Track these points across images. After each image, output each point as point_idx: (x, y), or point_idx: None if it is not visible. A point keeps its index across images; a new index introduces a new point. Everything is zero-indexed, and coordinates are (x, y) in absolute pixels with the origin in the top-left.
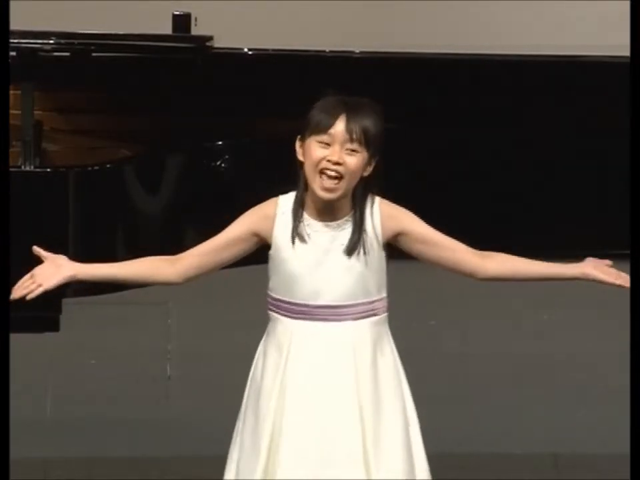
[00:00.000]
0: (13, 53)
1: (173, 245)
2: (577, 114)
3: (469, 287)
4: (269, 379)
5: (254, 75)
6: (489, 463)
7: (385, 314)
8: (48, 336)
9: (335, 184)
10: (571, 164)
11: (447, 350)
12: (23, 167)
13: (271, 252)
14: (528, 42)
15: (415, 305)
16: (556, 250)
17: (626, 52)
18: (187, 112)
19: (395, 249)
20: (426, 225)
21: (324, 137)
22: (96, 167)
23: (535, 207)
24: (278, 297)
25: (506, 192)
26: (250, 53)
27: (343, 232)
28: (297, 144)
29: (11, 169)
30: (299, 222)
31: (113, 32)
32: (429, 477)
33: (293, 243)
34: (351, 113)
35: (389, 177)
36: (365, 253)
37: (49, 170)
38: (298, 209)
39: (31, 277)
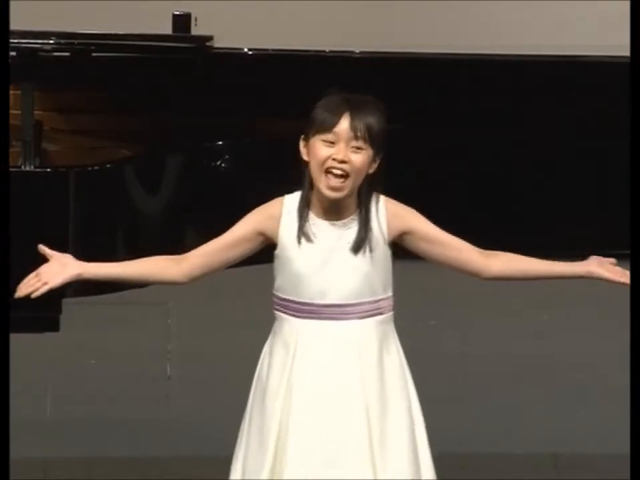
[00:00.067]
0: (13, 53)
1: (173, 245)
2: (577, 114)
3: (468, 287)
4: (275, 378)
5: (254, 75)
6: (489, 462)
7: (391, 313)
8: (48, 336)
9: (341, 182)
10: (571, 164)
11: (447, 350)
12: (23, 167)
13: (277, 251)
14: (528, 42)
15: (414, 305)
16: (556, 250)
17: (626, 52)
18: (187, 112)
19: (396, 249)
20: (431, 224)
21: (328, 136)
22: (96, 167)
23: (534, 207)
24: (284, 296)
25: (506, 192)
26: (250, 53)
27: (349, 231)
28: (301, 144)
29: (11, 169)
30: (305, 221)
31: (113, 32)
32: (434, 477)
33: (299, 242)
34: (355, 110)
35: (389, 177)
36: (370, 250)
37: (49, 170)
38: (303, 209)
39: (36, 275)
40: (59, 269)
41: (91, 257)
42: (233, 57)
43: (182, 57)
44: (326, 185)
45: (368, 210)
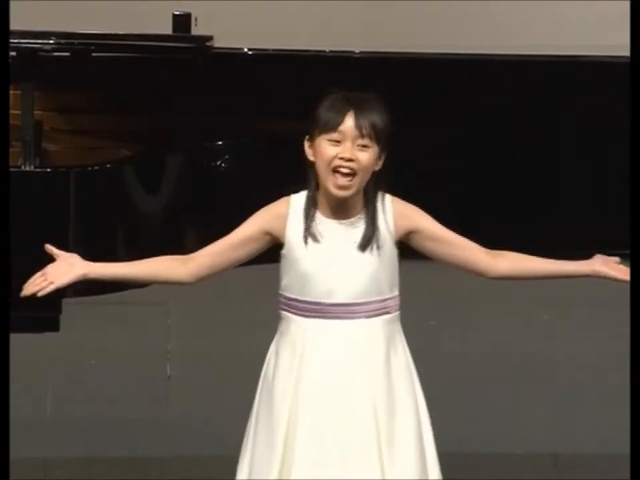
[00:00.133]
0: (13, 53)
1: (173, 245)
2: (577, 114)
3: (469, 287)
4: (282, 378)
5: (254, 74)
6: (489, 462)
7: (398, 312)
8: (48, 336)
9: (349, 181)
10: (571, 164)
11: (447, 350)
12: (23, 167)
13: (284, 251)
14: (528, 42)
15: (414, 305)
16: (556, 250)
17: (626, 52)
18: (187, 112)
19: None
20: (438, 223)
21: (334, 135)
22: (96, 167)
23: (534, 207)
24: (291, 295)
25: (505, 192)
26: (250, 53)
27: (356, 230)
28: (306, 144)
29: (11, 169)
30: (312, 221)
31: (113, 32)
32: (440, 477)
33: (306, 241)
34: (359, 108)
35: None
36: (378, 248)
37: (49, 170)
38: (310, 208)
39: (43, 274)
40: (65, 268)
41: (91, 256)
42: (233, 56)
43: (182, 56)
44: (334, 184)
45: (375, 208)
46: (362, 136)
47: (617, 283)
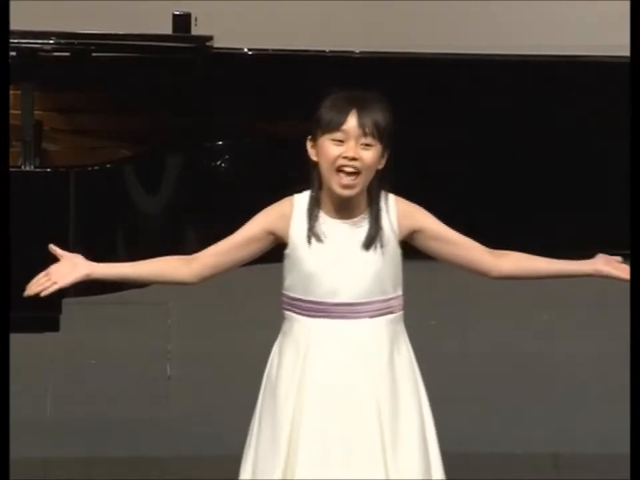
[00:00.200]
0: (13, 53)
1: (173, 245)
2: (577, 114)
3: (468, 287)
4: (286, 378)
5: (254, 74)
6: (489, 462)
7: (401, 312)
8: (48, 336)
9: (353, 180)
10: (570, 164)
11: (447, 350)
12: (23, 167)
13: (287, 251)
14: (528, 42)
15: (414, 305)
16: (556, 250)
17: (626, 52)
18: (187, 112)
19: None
20: (441, 222)
21: (337, 135)
22: (96, 167)
23: (534, 207)
24: (294, 295)
25: (505, 192)
26: (250, 53)
27: (360, 229)
28: (308, 144)
29: (11, 169)
30: (315, 220)
31: (113, 32)
32: (444, 477)
33: (310, 241)
34: (361, 107)
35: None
36: (382, 247)
37: (49, 170)
38: (313, 208)
39: (47, 274)
40: (69, 269)
41: (91, 256)
42: (233, 57)
43: (182, 56)
44: (338, 184)
45: (378, 207)
46: (365, 135)
47: (617, 283)
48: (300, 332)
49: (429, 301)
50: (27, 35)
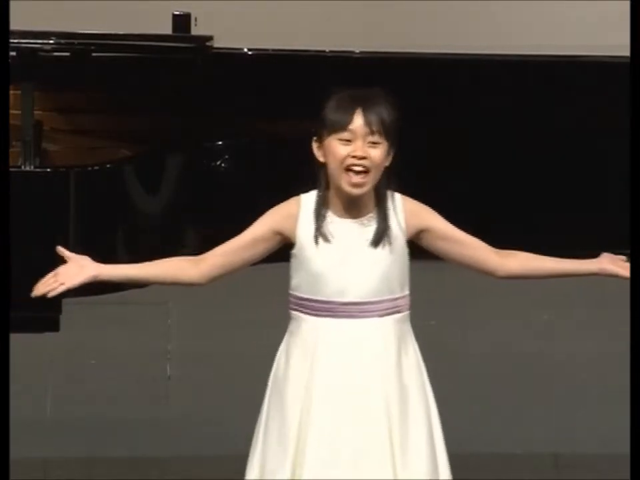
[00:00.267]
0: (13, 53)
1: (173, 245)
2: (577, 114)
3: (469, 287)
4: (294, 378)
5: (254, 74)
6: (489, 462)
7: (408, 312)
8: (48, 336)
9: (363, 178)
10: (571, 164)
11: (447, 350)
12: (23, 167)
13: (295, 251)
14: (528, 42)
15: (415, 305)
16: (555, 250)
17: (626, 52)
18: (187, 112)
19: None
20: (448, 222)
21: (344, 134)
22: (96, 167)
23: (534, 207)
24: (302, 295)
25: (505, 192)
26: (250, 53)
27: (368, 228)
28: (314, 145)
29: (11, 169)
30: (323, 220)
31: (113, 32)
32: (451, 477)
33: (317, 241)
34: (366, 105)
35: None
36: (390, 245)
37: (49, 170)
38: (321, 208)
39: (54, 275)
40: (76, 270)
41: (91, 257)
42: (233, 57)
43: (182, 56)
44: (348, 182)
45: (386, 206)
46: (372, 133)
47: (616, 283)
48: (307, 332)
49: (428, 301)
50: (26, 35)
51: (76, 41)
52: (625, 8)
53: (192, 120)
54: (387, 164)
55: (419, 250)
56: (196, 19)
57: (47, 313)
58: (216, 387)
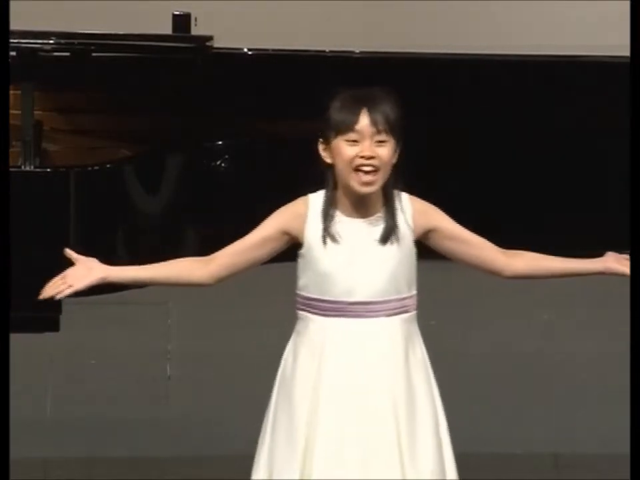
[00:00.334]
0: (13, 53)
1: (173, 245)
2: (577, 114)
3: (469, 287)
4: (302, 378)
5: (254, 74)
6: (489, 462)
7: (415, 312)
8: (48, 336)
9: (373, 177)
10: (571, 164)
11: (447, 350)
12: (23, 167)
13: (302, 250)
14: (528, 42)
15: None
16: (556, 250)
17: (626, 52)
18: (187, 112)
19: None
20: (454, 222)
21: (351, 135)
22: (96, 167)
23: (533, 207)
24: (310, 295)
25: (505, 192)
26: (250, 53)
27: (376, 228)
28: (320, 147)
29: (11, 169)
30: (331, 220)
31: (113, 32)
32: (457, 477)
33: (325, 241)
34: (371, 105)
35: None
36: (398, 243)
37: (49, 170)
38: (329, 208)
39: (62, 277)
40: (84, 272)
41: (92, 257)
42: (233, 57)
43: (182, 56)
44: (358, 182)
45: (394, 205)
46: (378, 132)
47: (617, 283)
48: (315, 332)
49: (428, 300)
50: (27, 35)
51: (76, 41)
52: (625, 8)
53: (192, 120)
54: (394, 161)
55: (416, 251)
56: (196, 19)
57: (47, 313)
58: (216, 387)
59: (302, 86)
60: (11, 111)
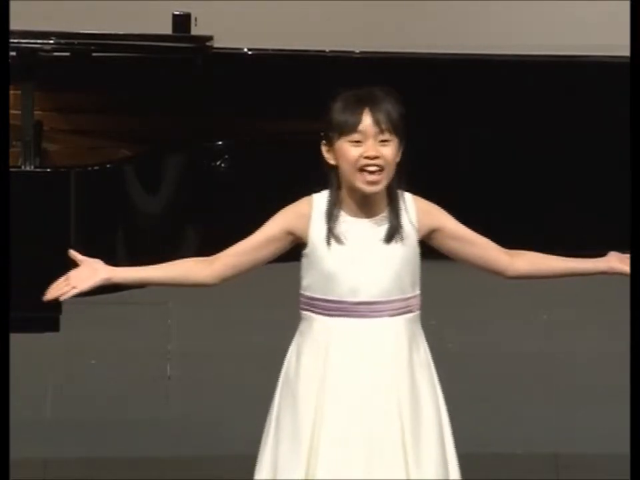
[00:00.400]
0: (13, 53)
1: (173, 245)
2: (577, 114)
3: (469, 287)
4: (306, 378)
5: (254, 74)
6: (489, 462)
7: (419, 312)
8: (48, 336)
9: (378, 176)
10: (571, 164)
11: (447, 350)
12: (23, 167)
13: (306, 250)
14: (528, 42)
15: None
16: (555, 250)
17: (626, 52)
18: (187, 112)
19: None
20: (458, 222)
21: (354, 136)
22: (96, 167)
23: (533, 207)
24: (314, 295)
25: (505, 192)
26: (250, 53)
27: (381, 227)
28: (323, 149)
29: (11, 169)
30: (336, 220)
31: (113, 32)
32: (460, 477)
33: (330, 241)
34: (373, 104)
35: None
36: (402, 241)
37: (49, 170)
38: (333, 208)
39: (66, 278)
40: (88, 273)
41: (92, 257)
42: (233, 57)
43: (182, 56)
44: (363, 181)
45: (398, 204)
46: (382, 131)
47: (617, 283)
48: (319, 331)
49: (428, 300)
50: (26, 35)
51: (76, 41)
52: (625, 8)
53: (192, 120)
54: (397, 160)
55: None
56: (196, 19)
57: (47, 313)
58: (216, 387)
59: (302, 86)
60: (11, 111)
